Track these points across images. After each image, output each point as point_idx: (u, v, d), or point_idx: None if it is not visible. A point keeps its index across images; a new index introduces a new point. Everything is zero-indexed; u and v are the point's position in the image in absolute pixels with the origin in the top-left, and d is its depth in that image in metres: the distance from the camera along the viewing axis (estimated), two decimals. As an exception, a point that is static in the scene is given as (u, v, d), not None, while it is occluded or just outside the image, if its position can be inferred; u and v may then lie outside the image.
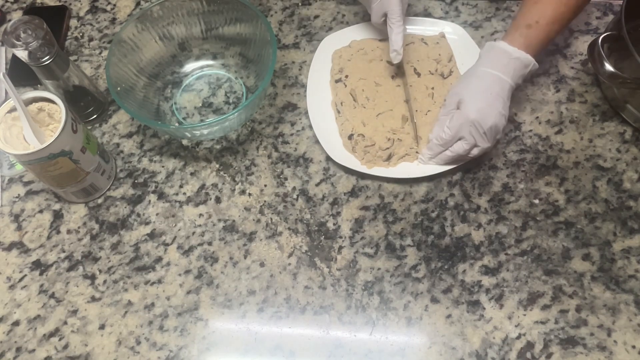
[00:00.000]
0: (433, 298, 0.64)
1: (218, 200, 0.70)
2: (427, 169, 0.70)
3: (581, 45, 0.80)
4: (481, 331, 0.62)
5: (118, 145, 0.74)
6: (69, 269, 0.67)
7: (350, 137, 0.72)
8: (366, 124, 0.72)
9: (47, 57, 0.64)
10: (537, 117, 0.75)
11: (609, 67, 0.67)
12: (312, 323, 0.63)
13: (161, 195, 0.71)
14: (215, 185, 0.71)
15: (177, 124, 0.75)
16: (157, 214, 0.70)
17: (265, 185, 0.71)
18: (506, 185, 0.71)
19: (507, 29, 0.71)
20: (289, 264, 0.66)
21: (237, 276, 0.66)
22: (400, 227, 0.68)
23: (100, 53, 0.82)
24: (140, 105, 0.72)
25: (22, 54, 0.62)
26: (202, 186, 0.71)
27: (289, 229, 0.68)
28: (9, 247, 0.68)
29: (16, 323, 0.64)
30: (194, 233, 0.69)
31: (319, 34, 0.82)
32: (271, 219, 0.69)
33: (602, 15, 0.83)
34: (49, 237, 0.69)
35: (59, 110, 0.61)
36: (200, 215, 0.70)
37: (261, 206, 0.70)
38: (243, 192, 0.71)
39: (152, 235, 0.68)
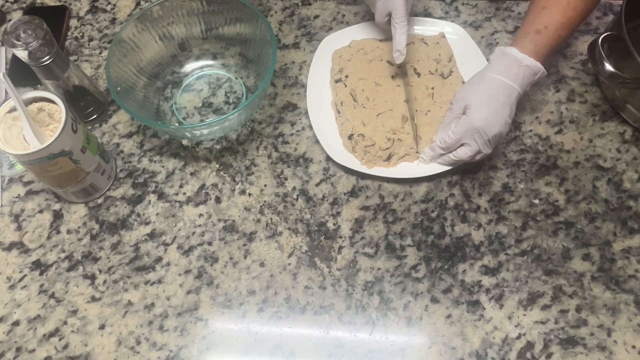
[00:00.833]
0: (433, 298, 0.64)
1: (218, 200, 0.70)
2: (427, 169, 0.70)
3: (581, 45, 0.80)
4: (481, 331, 0.62)
5: (118, 145, 0.74)
6: (69, 269, 0.67)
7: (350, 137, 0.72)
8: (366, 124, 0.72)
9: (47, 57, 0.63)
10: (537, 117, 0.75)
11: (609, 67, 0.67)
12: (312, 323, 0.63)
13: (161, 195, 0.71)
14: (215, 185, 0.71)
15: (177, 124, 0.75)
16: (157, 214, 0.70)
17: (265, 185, 0.71)
18: (506, 185, 0.71)
19: (515, 33, 0.70)
20: (289, 264, 0.66)
21: (237, 276, 0.66)
22: (400, 227, 0.68)
23: (100, 53, 0.82)
24: (140, 105, 0.72)
25: (22, 54, 0.62)
26: (202, 186, 0.71)
27: (289, 229, 0.68)
28: (9, 247, 0.68)
29: (16, 323, 0.64)
30: (194, 233, 0.69)
31: (319, 34, 0.82)
32: (271, 219, 0.69)
33: (602, 15, 0.83)
34: (49, 237, 0.69)
35: (59, 110, 0.61)
36: (200, 215, 0.70)
37: (261, 206, 0.70)
38: (243, 192, 0.71)
39: (152, 235, 0.68)
